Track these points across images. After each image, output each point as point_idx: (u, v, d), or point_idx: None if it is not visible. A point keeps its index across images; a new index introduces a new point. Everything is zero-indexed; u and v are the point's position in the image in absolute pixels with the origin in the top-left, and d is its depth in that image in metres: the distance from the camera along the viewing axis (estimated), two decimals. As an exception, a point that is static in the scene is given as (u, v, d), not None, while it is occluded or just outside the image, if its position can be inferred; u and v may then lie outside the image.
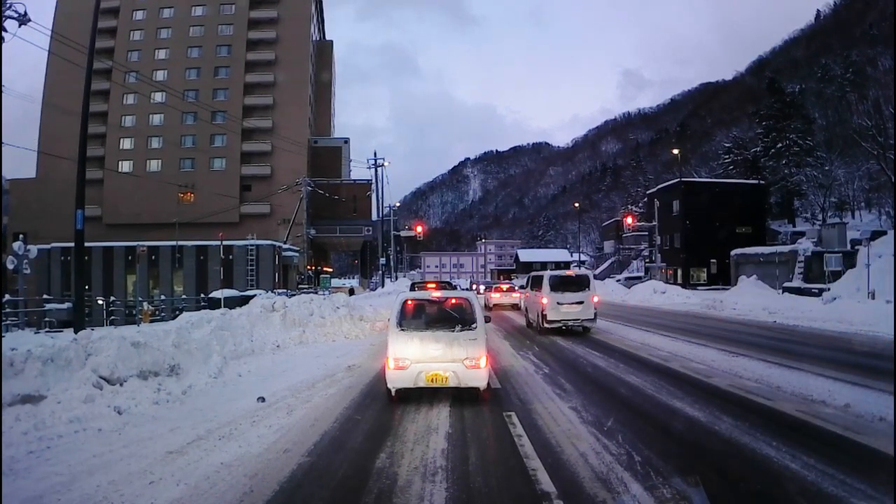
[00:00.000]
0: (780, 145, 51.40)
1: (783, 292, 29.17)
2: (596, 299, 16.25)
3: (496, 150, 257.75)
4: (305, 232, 45.00)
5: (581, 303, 15.79)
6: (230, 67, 61.16)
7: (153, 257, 38.17)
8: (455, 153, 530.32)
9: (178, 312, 20.70)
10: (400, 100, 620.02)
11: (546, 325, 15.89)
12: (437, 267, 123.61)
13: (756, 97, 76.42)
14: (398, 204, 78.89)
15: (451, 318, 7.72)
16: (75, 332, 10.85)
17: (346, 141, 69.57)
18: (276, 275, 39.77)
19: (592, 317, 15.89)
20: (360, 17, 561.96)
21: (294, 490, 4.69)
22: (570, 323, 15.95)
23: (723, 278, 43.18)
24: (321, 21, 76.99)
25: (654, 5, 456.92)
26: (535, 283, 17.62)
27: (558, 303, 15.82)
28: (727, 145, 63.97)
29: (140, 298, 30.13)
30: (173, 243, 37.97)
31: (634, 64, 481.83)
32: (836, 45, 78.17)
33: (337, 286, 50.30)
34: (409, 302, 8.03)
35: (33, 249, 20.69)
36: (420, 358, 7.36)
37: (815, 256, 33.22)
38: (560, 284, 16.12)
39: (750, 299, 24.00)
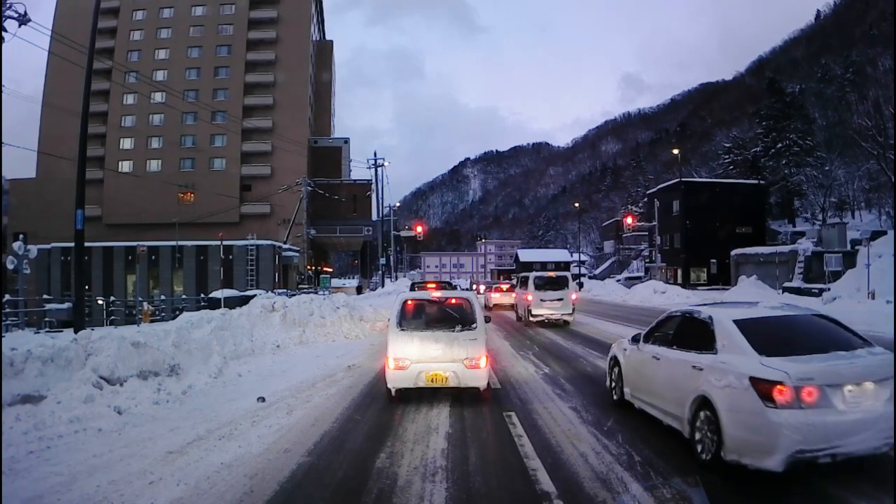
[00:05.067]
0: (780, 145, 51.34)
1: (783, 292, 29.17)
2: (574, 297, 18.65)
3: (496, 150, 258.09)
4: (305, 232, 45.01)
5: (561, 300, 18.08)
6: (230, 67, 61.17)
7: (153, 257, 38.19)
8: (457, 154, 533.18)
9: (178, 312, 20.70)
10: (404, 102, 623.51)
11: (531, 319, 18.13)
12: (437, 267, 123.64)
13: (756, 97, 76.39)
14: (398, 204, 79.02)
15: (451, 318, 7.71)
16: (75, 332, 10.84)
17: (346, 141, 69.59)
18: (276, 275, 39.77)
19: (571, 311, 18.16)
20: (368, 21, 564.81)
21: (294, 490, 4.69)
22: (551, 317, 18.02)
23: (723, 278, 43.15)
24: (321, 21, 77.02)
25: (655, 9, 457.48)
26: (523, 283, 20.03)
27: (541, 300, 18.13)
28: (727, 145, 63.94)
29: (140, 298, 30.15)
30: (173, 243, 37.97)
31: (634, 68, 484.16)
32: (836, 45, 78.15)
33: (337, 286, 50.38)
34: (409, 302, 8.03)
35: (33, 249, 20.71)
36: (420, 358, 7.36)
37: (815, 256, 33.20)
38: (543, 284, 18.50)
39: (750, 299, 23.97)
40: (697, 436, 5.04)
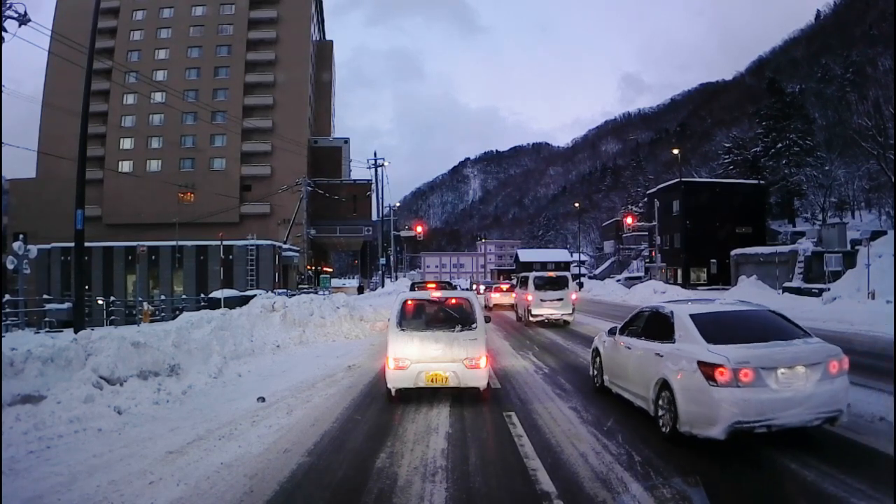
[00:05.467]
0: (780, 145, 51.34)
1: (783, 292, 29.15)
2: (574, 297, 18.64)
3: (496, 150, 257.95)
4: (305, 232, 45.02)
5: (561, 300, 18.08)
6: (230, 67, 61.18)
7: (153, 257, 38.19)
8: (457, 154, 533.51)
9: (178, 312, 20.71)
10: (404, 102, 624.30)
11: (531, 319, 18.15)
12: (437, 267, 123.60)
13: (756, 97, 76.37)
14: (398, 204, 79.02)
15: (451, 318, 7.72)
16: (75, 332, 10.85)
17: (346, 141, 69.60)
18: (276, 275, 39.77)
19: (570, 311, 18.15)
20: (369, 22, 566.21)
21: (294, 490, 4.69)
22: (551, 317, 18.03)
23: (723, 278, 43.14)
24: (321, 21, 77.02)
25: (655, 9, 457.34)
26: (523, 283, 20.04)
27: (541, 300, 18.13)
28: (727, 145, 63.93)
29: (140, 298, 30.16)
30: (173, 243, 37.98)
31: (634, 68, 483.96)
32: (836, 45, 78.10)
33: (337, 286, 50.41)
34: (409, 302, 8.03)
35: (33, 249, 20.72)
36: (420, 358, 7.36)
37: (815, 256, 33.19)
38: (543, 284, 18.50)
39: (750, 299, 23.95)
40: (660, 413, 5.85)
